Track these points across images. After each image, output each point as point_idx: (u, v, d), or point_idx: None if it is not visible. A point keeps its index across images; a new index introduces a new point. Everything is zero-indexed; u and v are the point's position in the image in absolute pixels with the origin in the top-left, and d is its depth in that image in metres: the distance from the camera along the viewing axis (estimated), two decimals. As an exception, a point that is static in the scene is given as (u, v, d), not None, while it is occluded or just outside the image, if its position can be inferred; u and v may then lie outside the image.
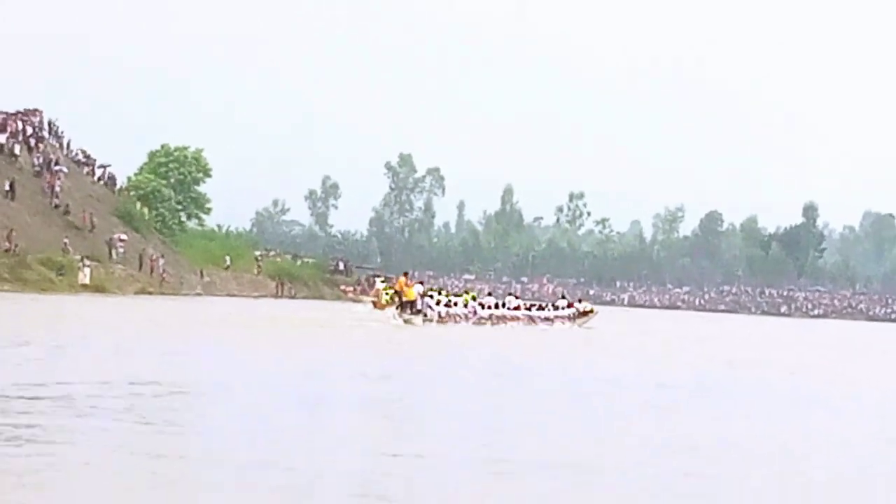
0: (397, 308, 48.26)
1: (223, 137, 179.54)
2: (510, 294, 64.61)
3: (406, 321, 46.37)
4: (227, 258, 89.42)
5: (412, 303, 47.80)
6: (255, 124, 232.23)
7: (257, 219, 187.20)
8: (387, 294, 60.49)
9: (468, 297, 53.29)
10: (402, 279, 49.66)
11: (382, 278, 79.12)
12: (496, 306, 53.35)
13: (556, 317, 54.82)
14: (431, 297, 49.99)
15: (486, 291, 70.08)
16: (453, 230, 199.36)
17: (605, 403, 19.27)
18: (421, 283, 53.35)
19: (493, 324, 50.44)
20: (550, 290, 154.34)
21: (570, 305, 57.65)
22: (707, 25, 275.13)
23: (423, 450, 12.73)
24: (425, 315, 47.57)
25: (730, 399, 21.74)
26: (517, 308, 54.59)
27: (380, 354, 29.92)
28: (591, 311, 58.26)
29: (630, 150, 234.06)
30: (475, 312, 50.74)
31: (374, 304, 64.50)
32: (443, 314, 48.47)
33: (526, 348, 36.36)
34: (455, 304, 50.66)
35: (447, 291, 57.98)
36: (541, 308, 56.75)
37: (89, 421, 13.45)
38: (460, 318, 49.42)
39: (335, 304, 78.52)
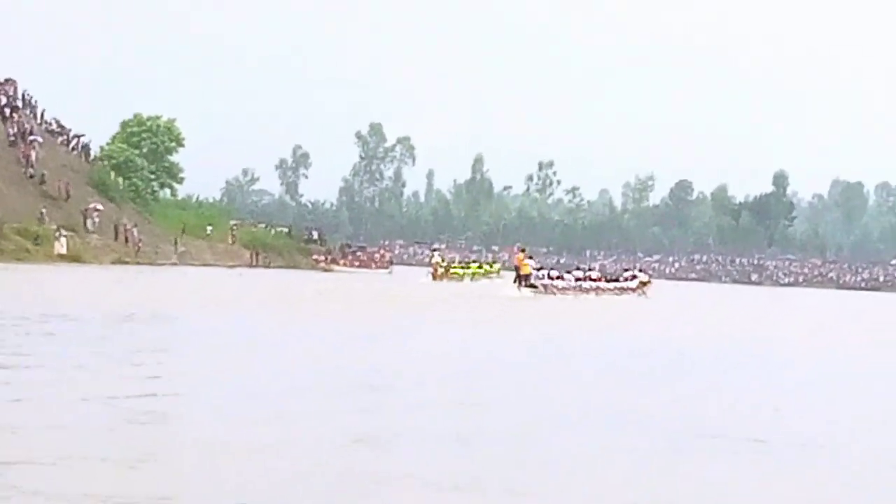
0: (515, 282, 52.83)
1: (192, 105, 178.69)
2: (577, 268, 67.70)
3: (522, 293, 50.42)
4: (209, 227, 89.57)
5: (527, 276, 52.23)
6: (225, 92, 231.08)
7: (227, 188, 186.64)
8: (442, 266, 77.05)
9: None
10: (520, 255, 54.02)
11: (439, 252, 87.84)
12: (584, 279, 57.22)
13: (627, 287, 58.54)
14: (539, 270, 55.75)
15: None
16: (423, 199, 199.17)
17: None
18: (531, 257, 57.34)
19: (588, 294, 54.33)
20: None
21: (632, 277, 61.50)
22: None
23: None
24: (537, 287, 51.96)
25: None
26: (597, 279, 58.77)
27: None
28: (649, 282, 61.52)
29: (599, 118, 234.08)
30: (575, 285, 54.93)
31: (433, 275, 74.26)
32: (549, 287, 52.82)
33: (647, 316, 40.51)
34: (561, 277, 55.29)
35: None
36: (616, 280, 61.05)
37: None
38: (566, 290, 53.32)
39: (346, 275, 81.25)
